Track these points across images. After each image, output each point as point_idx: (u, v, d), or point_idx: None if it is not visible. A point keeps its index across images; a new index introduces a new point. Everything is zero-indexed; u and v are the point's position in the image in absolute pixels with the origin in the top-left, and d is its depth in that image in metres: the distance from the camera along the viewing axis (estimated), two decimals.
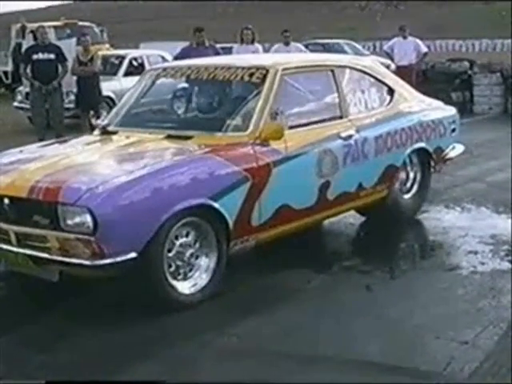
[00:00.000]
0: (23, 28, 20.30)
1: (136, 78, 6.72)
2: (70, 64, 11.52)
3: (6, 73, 21.17)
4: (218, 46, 11.73)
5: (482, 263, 5.48)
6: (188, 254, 4.72)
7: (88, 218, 4.23)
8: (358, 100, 6.13)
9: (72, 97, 12.43)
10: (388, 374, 3.84)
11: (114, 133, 5.64)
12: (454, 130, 7.05)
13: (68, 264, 4.36)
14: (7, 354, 4.17)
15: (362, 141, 5.86)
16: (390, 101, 6.47)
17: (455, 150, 7.06)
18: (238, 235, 4.93)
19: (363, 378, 3.82)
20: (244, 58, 7.78)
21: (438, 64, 16.12)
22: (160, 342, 4.27)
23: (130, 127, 5.67)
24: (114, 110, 6.26)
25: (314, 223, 5.77)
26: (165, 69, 6.38)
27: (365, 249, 6.04)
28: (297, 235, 5.56)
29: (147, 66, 13.19)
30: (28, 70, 11.40)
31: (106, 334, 4.36)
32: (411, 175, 6.71)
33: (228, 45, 14.20)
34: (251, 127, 5.15)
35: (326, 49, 19.74)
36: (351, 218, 6.53)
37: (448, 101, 9.11)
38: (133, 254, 4.32)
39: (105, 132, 5.72)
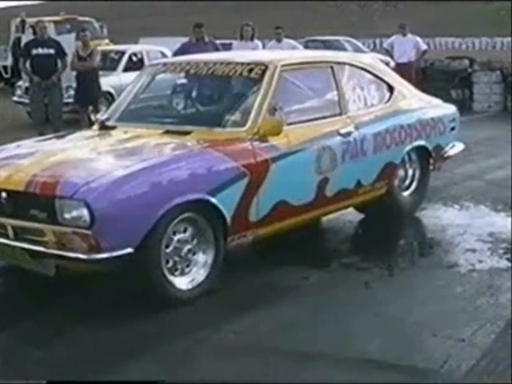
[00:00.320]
0: (23, 23, 20.31)
1: (135, 74, 6.71)
2: (69, 59, 11.50)
3: (5, 67, 21.15)
4: (218, 42, 11.71)
5: (481, 261, 5.47)
6: (185, 249, 4.71)
7: (85, 212, 4.23)
8: (357, 97, 6.13)
9: (71, 92, 12.42)
10: (386, 372, 3.84)
11: (113, 128, 5.63)
12: (453, 128, 7.05)
13: (65, 258, 4.36)
14: (5, 349, 4.18)
15: (361, 138, 5.86)
16: (390, 98, 6.46)
17: (455, 148, 7.06)
18: (236, 231, 4.92)
19: (361, 376, 3.82)
20: (243, 53, 7.77)
21: (438, 62, 16.13)
22: (157, 338, 4.26)
23: (129, 122, 5.67)
24: (113, 105, 6.26)
25: (312, 220, 5.77)
26: (164, 64, 6.38)
27: (363, 246, 6.03)
28: (295, 232, 5.56)
29: (147, 62, 13.19)
30: (27, 65, 11.39)
31: (104, 330, 4.35)
32: (410, 173, 6.71)
33: (228, 41, 14.19)
34: (250, 123, 5.15)
35: (326, 46, 19.71)
36: (350, 215, 6.52)
37: (447, 99, 9.10)
38: (129, 249, 4.32)
39: (103, 127, 5.72)
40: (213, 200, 4.71)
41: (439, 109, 7.05)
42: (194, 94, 6.16)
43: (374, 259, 5.52)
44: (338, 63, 6.10)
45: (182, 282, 4.71)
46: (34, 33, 12.79)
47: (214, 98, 5.95)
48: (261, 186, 5.02)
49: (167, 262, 4.62)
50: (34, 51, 11.23)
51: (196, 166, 4.75)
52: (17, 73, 16.20)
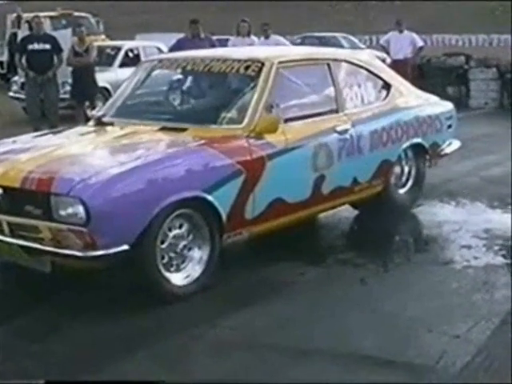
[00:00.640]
0: (19, 18, 20.24)
1: (132, 70, 6.70)
2: (65, 55, 11.48)
3: (1, 63, 21.12)
4: (214, 38, 11.71)
5: (476, 257, 5.48)
6: (181, 245, 4.72)
7: (80, 209, 4.22)
8: (354, 94, 6.12)
9: (67, 87, 12.40)
10: (382, 368, 3.84)
11: (109, 124, 5.63)
12: (450, 126, 7.05)
13: (60, 255, 4.36)
14: (1, 345, 4.17)
15: (358, 135, 5.86)
16: (387, 95, 6.46)
17: (451, 146, 7.07)
18: (231, 228, 4.92)
19: (357, 371, 3.82)
20: (240, 50, 7.76)
21: (434, 59, 16.13)
22: (153, 334, 4.26)
23: (125, 118, 5.66)
24: (110, 101, 6.26)
25: (308, 217, 5.76)
26: (160, 60, 6.38)
27: (359, 242, 6.04)
28: (290, 228, 5.56)
29: (143, 57, 13.18)
30: (23, 60, 11.36)
31: (99, 326, 4.35)
32: (406, 170, 6.71)
33: (224, 37, 14.19)
34: (246, 120, 5.15)
35: (323, 42, 19.73)
36: (346, 212, 6.52)
37: (444, 95, 9.13)
38: (125, 246, 4.32)
39: (99, 123, 5.71)
40: (209, 197, 4.71)
41: (436, 106, 7.05)
42: (190, 90, 6.15)
43: (369, 255, 5.53)
44: (335, 60, 6.09)
45: (177, 278, 4.71)
46: (30, 28, 12.75)
47: (210, 95, 5.94)
48: (257, 183, 5.01)
49: (163, 257, 4.62)
50: (30, 46, 11.21)
51: (192, 164, 4.74)
52: (13, 68, 16.14)
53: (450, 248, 5.77)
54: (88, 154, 4.94)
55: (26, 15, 18.60)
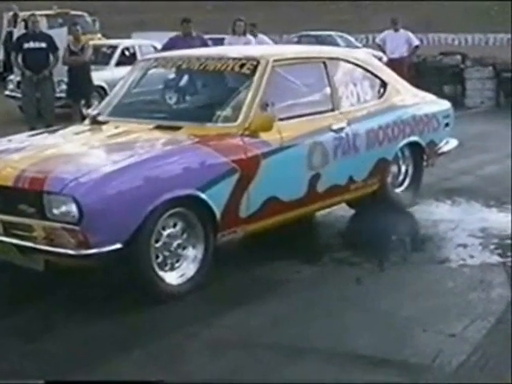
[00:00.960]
0: (15, 17, 20.20)
1: (128, 68, 6.69)
2: (61, 53, 11.46)
3: None
4: (210, 36, 11.72)
5: (472, 256, 5.48)
6: (175, 244, 4.70)
7: (73, 208, 4.22)
8: (350, 93, 6.10)
9: (63, 86, 12.38)
10: (377, 367, 3.84)
11: (104, 123, 5.62)
12: (447, 125, 7.03)
13: (53, 253, 4.35)
14: None
15: (354, 134, 5.85)
16: (383, 94, 6.44)
17: (449, 145, 7.06)
18: (226, 226, 4.91)
19: (352, 371, 3.82)
20: (236, 49, 7.75)
21: (431, 58, 16.15)
22: (148, 332, 4.25)
23: (121, 117, 5.65)
24: (105, 100, 6.25)
25: (303, 216, 5.74)
26: (156, 59, 6.37)
27: (355, 241, 6.03)
28: (286, 227, 5.55)
29: (139, 56, 13.16)
30: (19, 59, 11.35)
31: (94, 324, 4.34)
32: (403, 169, 6.70)
33: (220, 36, 14.17)
34: (241, 118, 5.13)
35: (319, 41, 19.71)
36: (342, 211, 6.51)
37: (440, 94, 9.10)
38: (118, 245, 4.31)
39: (95, 122, 5.70)
40: (202, 196, 4.69)
41: (433, 105, 7.04)
42: (185, 89, 6.14)
43: (365, 254, 5.52)
44: (331, 59, 6.07)
45: (171, 277, 4.69)
46: (26, 27, 12.73)
47: (205, 94, 5.94)
48: (251, 181, 5.00)
49: (157, 256, 4.61)
50: (26, 45, 11.20)
51: (186, 162, 4.74)
52: (9, 67, 16.12)
53: (445, 247, 5.77)
54: (81, 153, 4.92)
55: (23, 14, 18.56)
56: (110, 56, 14.70)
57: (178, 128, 5.20)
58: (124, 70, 7.44)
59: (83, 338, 4.19)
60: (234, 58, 5.59)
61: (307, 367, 3.85)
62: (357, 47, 19.12)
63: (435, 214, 6.65)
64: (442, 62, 15.75)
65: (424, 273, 5.20)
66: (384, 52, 14.18)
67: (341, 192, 5.86)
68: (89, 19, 21.26)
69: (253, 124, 5.09)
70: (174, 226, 4.70)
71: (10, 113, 13.97)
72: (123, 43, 15.46)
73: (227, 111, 5.31)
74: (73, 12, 20.86)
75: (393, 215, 6.49)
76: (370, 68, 6.42)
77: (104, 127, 5.53)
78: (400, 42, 13.92)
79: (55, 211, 4.30)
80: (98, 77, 12.84)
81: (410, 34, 14.26)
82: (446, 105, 7.21)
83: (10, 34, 16.86)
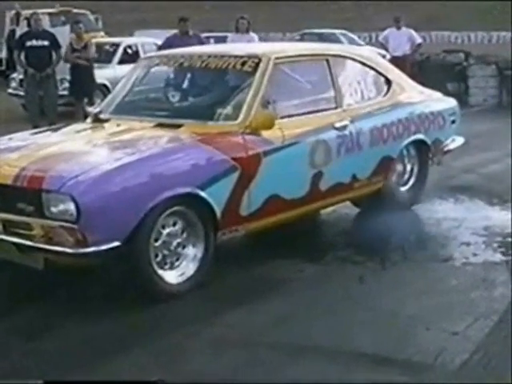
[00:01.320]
0: (18, 15, 20.20)
1: (130, 66, 6.68)
2: (63, 51, 11.46)
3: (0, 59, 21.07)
4: (212, 35, 11.72)
5: (475, 255, 5.47)
6: (175, 243, 4.69)
7: (71, 206, 4.21)
8: (353, 90, 6.07)
9: (66, 84, 12.38)
10: (380, 365, 3.83)
11: (106, 120, 5.60)
12: (453, 122, 6.97)
13: (52, 252, 4.34)
14: None
15: (357, 131, 5.81)
16: (387, 91, 6.39)
17: (455, 143, 7.01)
18: (226, 225, 4.89)
19: (355, 369, 3.81)
20: (238, 46, 7.73)
21: (434, 55, 16.12)
22: (148, 332, 4.24)
23: (123, 115, 5.63)
24: (108, 98, 6.24)
25: (305, 214, 5.70)
26: (159, 57, 6.36)
27: (358, 239, 6.01)
28: (289, 225, 5.53)
29: (142, 54, 13.16)
30: (22, 57, 11.35)
31: (93, 324, 4.32)
32: (408, 167, 6.65)
33: (222, 34, 14.18)
34: (242, 116, 5.11)
35: (322, 39, 19.70)
36: (345, 209, 6.49)
37: (443, 92, 9.04)
38: (116, 243, 4.30)
39: (97, 120, 5.69)
40: (202, 194, 4.68)
41: (439, 102, 6.98)
42: (187, 86, 6.12)
43: (368, 252, 5.50)
44: (334, 56, 6.03)
45: (171, 276, 4.68)
46: (29, 25, 12.73)
47: (207, 91, 5.90)
48: (252, 179, 4.98)
49: (156, 255, 4.59)
50: (29, 43, 11.19)
51: (185, 160, 4.72)
52: (12, 65, 16.12)
53: (449, 245, 5.75)
54: (82, 151, 4.91)
55: (25, 12, 18.56)
56: (113, 54, 14.71)
57: (179, 126, 5.18)
58: (126, 68, 7.44)
59: (83, 337, 4.18)
60: (236, 56, 5.57)
61: (310, 366, 3.84)
62: (360, 45, 19.09)
63: (438, 212, 6.63)
64: (445, 59, 15.72)
65: (427, 271, 5.19)
66: (387, 50, 14.17)
67: (344, 190, 5.84)
68: (91, 17, 21.26)
69: (254, 122, 5.07)
70: (174, 224, 4.68)
71: (12, 111, 13.98)
72: (126, 41, 15.47)
73: (228, 109, 5.28)
74: (75, 10, 20.84)
75: (396, 213, 6.47)
76: (374, 65, 6.39)
77: (105, 125, 5.52)
78: (402, 40, 13.90)
79: (53, 209, 4.30)
80: (101, 75, 12.84)
81: (413, 32, 14.25)
82: (452, 102, 7.16)
83: (13, 32, 16.87)
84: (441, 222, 6.30)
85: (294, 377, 3.74)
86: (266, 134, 5.11)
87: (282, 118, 5.29)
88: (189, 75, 6.18)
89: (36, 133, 5.91)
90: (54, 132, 5.80)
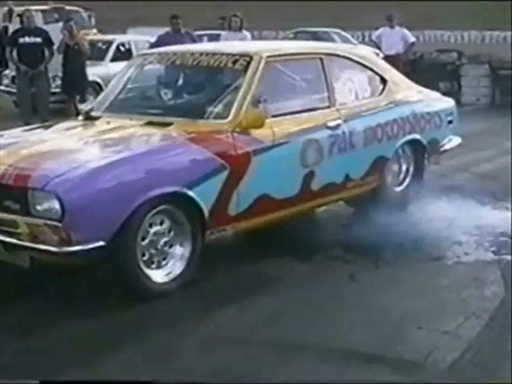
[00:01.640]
0: (10, 12, 20.13)
1: (123, 64, 6.67)
2: (55, 47, 11.43)
3: None
4: (206, 33, 11.72)
5: (467, 254, 5.48)
6: (162, 242, 4.66)
7: (56, 204, 4.19)
8: (347, 89, 6.04)
9: (58, 81, 12.35)
10: (371, 364, 3.83)
11: (97, 118, 5.58)
12: (450, 122, 6.92)
13: (37, 250, 4.33)
14: None
15: (350, 131, 5.78)
16: (382, 91, 6.35)
17: (451, 143, 6.97)
18: (215, 224, 4.87)
19: (347, 368, 3.80)
20: (231, 44, 7.71)
21: (427, 55, 16.13)
22: (134, 331, 4.22)
23: (114, 113, 5.61)
24: (100, 96, 6.23)
25: (297, 214, 5.67)
26: (151, 54, 6.34)
27: (349, 238, 5.98)
28: (280, 223, 5.52)
29: (135, 52, 13.14)
30: (14, 54, 11.32)
31: (82, 322, 4.30)
32: (404, 167, 6.61)
33: (216, 32, 14.15)
34: (231, 115, 5.09)
35: (315, 37, 19.68)
36: (337, 208, 6.48)
37: (436, 91, 9.08)
38: (101, 243, 4.28)
39: (88, 117, 5.67)
40: (190, 193, 4.65)
41: (436, 102, 6.93)
42: (179, 85, 6.07)
43: (360, 251, 5.48)
44: (328, 55, 5.99)
45: (158, 275, 4.66)
46: (22, 22, 12.69)
47: (198, 90, 5.85)
48: (241, 179, 4.95)
49: (143, 254, 4.57)
50: (21, 40, 11.17)
51: (172, 159, 4.71)
52: (4, 62, 16.05)
53: (440, 244, 5.74)
54: (69, 149, 4.89)
55: (18, 9, 18.49)
56: (106, 51, 14.66)
57: (168, 124, 5.16)
58: (119, 66, 7.43)
59: (71, 335, 4.16)
60: (228, 54, 5.54)
61: (301, 364, 3.84)
62: (353, 44, 19.09)
63: (430, 211, 6.61)
64: (437, 59, 15.74)
65: (419, 270, 5.20)
66: (379, 49, 14.16)
67: (337, 190, 5.80)
68: (84, 15, 21.19)
69: (244, 121, 5.04)
70: (161, 223, 4.66)
71: (4, 108, 13.92)
72: (118, 39, 15.41)
73: (219, 108, 5.25)
74: (68, 7, 20.78)
75: (388, 212, 6.46)
76: (368, 64, 6.34)
77: (96, 123, 5.50)
78: (396, 38, 13.90)
79: (38, 208, 4.28)
80: (93, 72, 12.81)
81: (406, 31, 14.25)
82: (449, 102, 7.11)
83: (5, 28, 16.78)
84: (433, 221, 6.28)
85: (284, 375, 3.73)
86: (256, 132, 5.08)
87: (274, 116, 5.26)
88: (181, 73, 6.14)
89: (27, 130, 5.90)
90: (45, 129, 5.78)
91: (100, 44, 15.21)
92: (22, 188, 4.32)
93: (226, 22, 12.90)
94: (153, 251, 4.63)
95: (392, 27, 14.08)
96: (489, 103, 14.65)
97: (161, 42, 10.23)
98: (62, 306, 4.56)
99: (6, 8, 20.90)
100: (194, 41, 10.53)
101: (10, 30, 13.22)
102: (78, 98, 11.67)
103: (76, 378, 3.70)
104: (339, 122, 5.74)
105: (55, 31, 12.27)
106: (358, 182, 5.96)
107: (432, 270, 5.18)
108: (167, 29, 11.43)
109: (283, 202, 5.30)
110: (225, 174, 4.85)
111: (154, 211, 4.55)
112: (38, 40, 11.17)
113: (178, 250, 4.76)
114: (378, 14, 17.32)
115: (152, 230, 4.61)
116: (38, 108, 11.41)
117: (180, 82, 6.09)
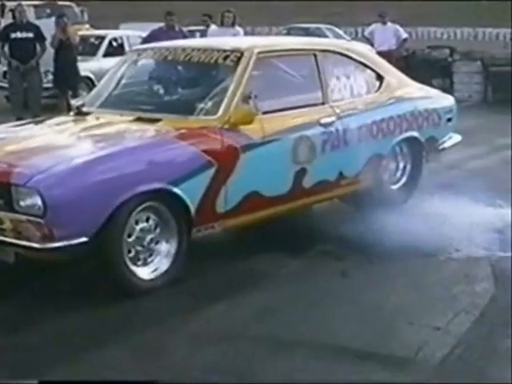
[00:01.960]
0: (2, 7, 20.06)
1: (116, 59, 6.64)
2: (48, 43, 11.39)
3: None
4: (197, 28, 11.75)
5: (458, 250, 5.48)
6: (148, 239, 4.65)
7: (38, 200, 4.18)
8: (342, 86, 5.96)
9: (50, 76, 12.30)
10: (363, 360, 3.83)
11: (88, 114, 5.56)
12: (450, 120, 6.85)
13: (20, 246, 4.31)
14: None
15: (344, 128, 5.71)
16: (379, 87, 6.29)
17: (451, 140, 6.90)
18: (202, 221, 4.84)
19: (338, 364, 3.81)
20: (222, 40, 7.68)
21: (419, 51, 16.15)
22: (121, 327, 4.21)
23: (105, 108, 5.59)
24: (93, 91, 6.22)
25: (288, 212, 5.62)
26: (144, 50, 6.31)
27: (342, 234, 5.98)
28: (272, 220, 5.51)
29: (127, 47, 13.11)
30: (6, 49, 11.29)
31: (67, 319, 4.29)
32: (401, 165, 6.56)
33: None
34: (221, 111, 5.06)
35: (308, 33, 19.71)
36: (330, 204, 6.47)
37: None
38: (84, 239, 4.27)
39: (79, 113, 5.65)
40: (175, 190, 4.62)
41: (434, 99, 6.85)
42: (170, 80, 6.01)
43: (352, 247, 5.47)
44: (322, 51, 5.92)
45: (144, 272, 4.65)
46: (14, 17, 12.64)
47: (189, 85, 5.81)
48: (229, 176, 4.92)
49: (129, 251, 4.56)
50: (13, 35, 11.16)
51: (158, 155, 4.68)
52: None
53: (432, 240, 5.73)
54: (56, 145, 4.87)
55: (10, 4, 18.42)
56: (98, 47, 14.62)
57: (157, 120, 5.13)
58: (111, 61, 7.41)
59: (57, 332, 4.14)
60: (219, 50, 5.50)
61: (292, 360, 3.84)
62: (346, 40, 19.10)
63: (423, 207, 6.61)
64: (430, 55, 15.77)
65: (410, 266, 5.19)
66: (372, 45, 14.17)
67: (330, 188, 5.75)
68: (77, 9, 21.13)
69: (233, 117, 5.00)
70: (147, 220, 4.65)
71: None
72: (111, 34, 15.37)
73: (208, 104, 5.21)
74: (60, 2, 20.72)
75: (381, 209, 6.46)
76: (364, 61, 6.27)
77: (86, 119, 5.48)
78: (388, 35, 13.91)
79: (22, 203, 4.27)
80: (85, 67, 12.77)
81: (398, 28, 14.26)
82: (449, 100, 7.03)
83: None
84: (425, 218, 6.28)
85: (276, 371, 3.73)
86: (245, 129, 5.04)
87: (265, 113, 5.21)
88: (172, 69, 6.10)
89: (17, 125, 5.87)
90: (35, 125, 5.76)
91: (92, 39, 15.17)
92: (6, 184, 4.30)
93: (209, 19, 13.08)
94: (139, 248, 4.62)
95: (384, 23, 14.09)
96: (481, 100, 14.68)
97: (153, 36, 10.30)
98: (47, 302, 4.55)
99: None
100: (185, 37, 10.56)
101: (2, 25, 13.14)
102: (70, 93, 11.64)
103: (60, 374, 3.69)
104: (333, 118, 5.69)
105: (47, 26, 12.23)
106: (352, 180, 5.90)
107: (424, 267, 5.18)
108: (160, 24, 11.44)
109: (274, 200, 5.26)
110: (212, 170, 4.82)
111: (139, 208, 4.53)
112: (30, 35, 11.16)
113: (164, 246, 4.74)
114: (373, 10, 17.33)
115: (138, 227, 4.59)
116: (29, 103, 11.38)
117: (171, 77, 6.04)
